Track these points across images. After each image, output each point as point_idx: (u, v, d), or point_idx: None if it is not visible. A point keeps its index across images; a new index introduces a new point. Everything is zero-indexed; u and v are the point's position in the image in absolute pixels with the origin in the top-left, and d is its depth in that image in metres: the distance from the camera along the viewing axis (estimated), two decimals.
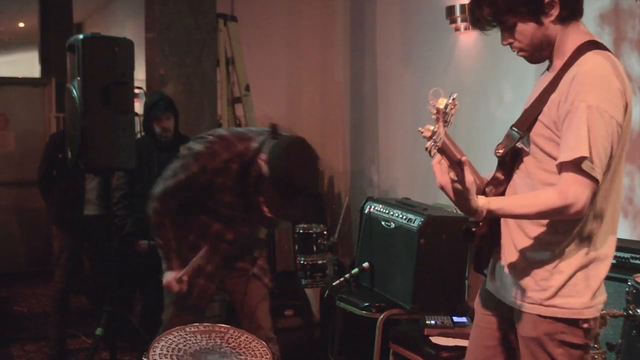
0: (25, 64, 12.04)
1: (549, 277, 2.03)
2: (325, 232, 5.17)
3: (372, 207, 4.18)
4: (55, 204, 4.67)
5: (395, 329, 3.77)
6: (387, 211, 4.04)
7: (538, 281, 2.04)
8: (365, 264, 4.07)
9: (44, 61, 9.20)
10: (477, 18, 2.07)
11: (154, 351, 2.50)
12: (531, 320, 2.06)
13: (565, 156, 1.92)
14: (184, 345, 2.56)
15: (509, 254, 2.12)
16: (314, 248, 5.09)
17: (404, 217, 3.86)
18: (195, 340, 2.61)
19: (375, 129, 5.92)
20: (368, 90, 5.98)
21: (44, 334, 5.00)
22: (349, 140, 6.55)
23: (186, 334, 2.63)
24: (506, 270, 2.13)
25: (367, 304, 3.91)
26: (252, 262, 3.27)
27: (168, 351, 2.51)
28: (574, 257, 2.01)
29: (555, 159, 1.97)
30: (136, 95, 5.02)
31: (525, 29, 2.02)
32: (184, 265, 3.05)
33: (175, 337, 2.60)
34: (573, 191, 1.90)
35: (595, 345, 2.77)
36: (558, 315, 2.02)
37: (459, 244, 3.66)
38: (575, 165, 1.90)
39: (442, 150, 1.86)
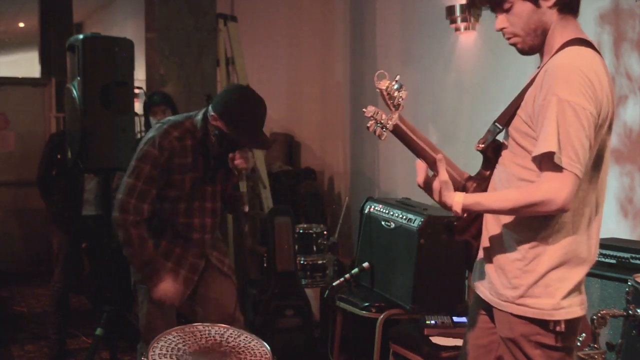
0: (25, 64, 12.06)
1: (520, 276, 2.01)
2: (325, 232, 5.16)
3: (372, 207, 4.18)
4: (54, 203, 4.67)
5: (395, 329, 3.77)
6: (387, 211, 4.04)
7: (510, 279, 2.03)
8: (365, 264, 4.07)
9: (44, 61, 9.21)
10: None
11: (154, 351, 2.50)
12: (506, 319, 2.06)
13: (535, 151, 1.92)
14: (184, 345, 2.56)
15: (487, 251, 2.13)
16: (314, 248, 5.09)
17: (404, 217, 3.86)
18: (195, 339, 2.61)
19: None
20: (368, 91, 5.98)
21: (44, 334, 5.01)
22: (349, 140, 6.55)
23: (185, 334, 2.63)
24: (485, 267, 2.13)
25: (367, 304, 3.91)
26: (220, 258, 3.30)
27: (168, 351, 2.51)
28: (546, 257, 1.99)
29: (530, 154, 1.97)
30: (136, 95, 5.03)
31: (522, 10, 1.99)
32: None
33: (174, 337, 2.60)
34: (546, 187, 1.89)
35: (595, 345, 2.77)
36: (529, 315, 2.00)
37: (459, 244, 3.65)
38: (549, 161, 1.88)
39: (398, 136, 2.00)
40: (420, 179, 2.05)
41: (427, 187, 2.05)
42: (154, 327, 3.08)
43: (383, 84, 2.00)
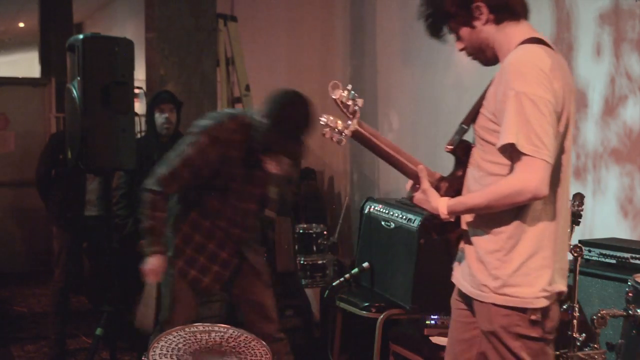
0: (25, 64, 12.06)
1: (500, 266, 2.06)
2: (325, 232, 5.17)
3: (372, 207, 4.18)
4: (55, 204, 4.66)
5: (395, 329, 3.77)
6: (387, 211, 4.04)
7: (490, 270, 2.08)
8: (365, 264, 4.07)
9: (44, 61, 9.22)
10: (429, 30, 2.22)
11: (154, 351, 2.51)
12: (486, 312, 2.10)
13: (498, 143, 1.99)
14: (184, 345, 2.56)
15: (466, 246, 2.18)
16: (314, 248, 5.09)
17: (404, 217, 3.86)
18: (195, 340, 2.61)
19: (375, 129, 5.90)
20: (368, 90, 5.98)
21: (44, 334, 5.01)
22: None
23: (186, 334, 2.63)
24: (465, 261, 2.18)
25: (367, 304, 3.91)
26: (257, 257, 3.31)
27: (168, 351, 2.52)
28: (522, 246, 2.04)
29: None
30: (136, 95, 5.03)
31: (464, 34, 2.15)
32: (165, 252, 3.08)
33: (175, 337, 2.61)
34: (516, 177, 1.95)
35: (595, 345, 2.77)
36: (510, 304, 2.05)
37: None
38: (516, 152, 1.94)
39: (360, 141, 2.15)
40: (407, 194, 2.27)
41: (411, 200, 2.23)
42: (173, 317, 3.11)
43: (337, 94, 2.11)
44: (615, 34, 3.62)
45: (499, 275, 2.06)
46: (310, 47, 6.91)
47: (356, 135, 2.15)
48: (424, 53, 5.27)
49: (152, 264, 3.03)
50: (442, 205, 2.10)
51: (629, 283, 2.71)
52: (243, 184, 3.11)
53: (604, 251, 3.11)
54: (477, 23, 2.11)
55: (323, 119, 2.16)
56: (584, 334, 2.85)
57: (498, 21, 2.10)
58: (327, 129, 2.15)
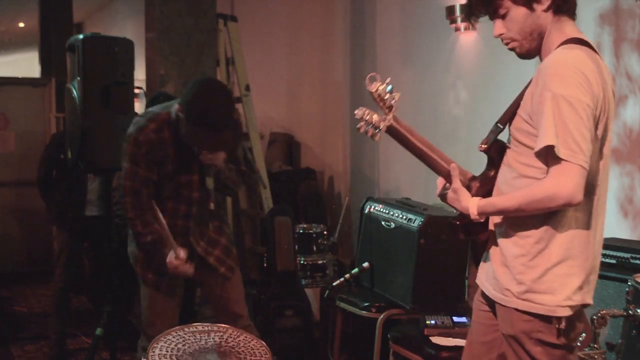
0: (25, 64, 12.06)
1: (525, 271, 2.03)
2: (325, 232, 5.17)
3: (372, 207, 4.18)
4: (56, 204, 4.66)
5: (395, 329, 3.77)
6: (387, 211, 4.04)
7: (515, 275, 2.05)
8: (365, 264, 4.07)
9: (44, 61, 9.21)
10: (474, 4, 2.10)
11: (154, 351, 2.50)
12: (508, 316, 2.07)
13: (536, 147, 1.94)
14: (183, 345, 2.56)
15: (492, 248, 2.15)
16: (314, 248, 5.09)
17: (404, 217, 3.86)
18: (195, 340, 2.61)
19: None
20: (368, 90, 5.98)
21: (44, 334, 5.00)
22: (349, 140, 6.55)
23: (185, 334, 2.63)
24: (490, 264, 2.15)
25: (367, 304, 3.91)
26: (221, 259, 3.26)
27: (167, 351, 2.52)
28: (550, 253, 2.00)
29: (533, 151, 1.99)
30: (136, 95, 5.03)
31: (517, 15, 2.04)
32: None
33: (174, 337, 2.61)
34: (551, 181, 1.91)
35: (595, 345, 2.77)
36: (532, 311, 2.02)
37: (459, 244, 3.66)
38: (552, 156, 1.90)
39: (394, 136, 2.09)
40: (438, 192, 2.21)
41: (443, 198, 2.18)
42: (153, 319, 3.12)
43: (374, 87, 2.07)
44: (615, 34, 3.62)
45: (523, 281, 2.02)
46: (310, 47, 6.91)
47: (391, 131, 2.10)
48: (424, 53, 5.26)
49: (172, 264, 3.02)
50: (472, 205, 2.06)
51: (629, 283, 2.71)
52: (177, 175, 3.08)
53: (604, 251, 3.09)
54: (537, 6, 2.02)
55: (359, 113, 2.10)
56: (584, 334, 2.84)
57: (557, 11, 2.03)
58: (362, 123, 2.09)
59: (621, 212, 3.59)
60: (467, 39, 4.76)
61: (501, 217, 2.10)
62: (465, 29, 4.70)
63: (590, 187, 2.00)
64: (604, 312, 2.69)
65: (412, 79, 5.34)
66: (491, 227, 2.15)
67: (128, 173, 3.02)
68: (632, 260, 3.02)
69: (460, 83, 4.87)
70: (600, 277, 3.03)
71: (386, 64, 5.76)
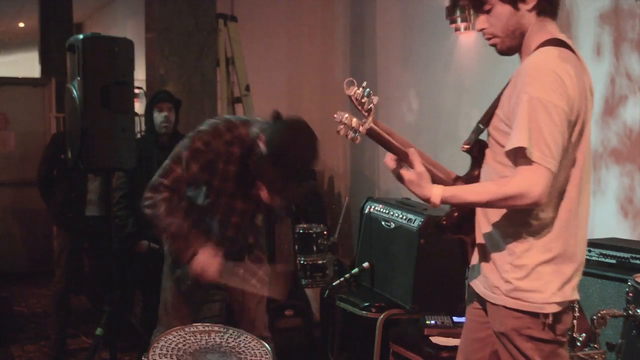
0: (25, 64, 12.05)
1: (511, 270, 2.05)
2: (325, 232, 5.16)
3: (372, 207, 4.18)
4: (56, 204, 4.66)
5: (395, 329, 3.77)
6: (387, 211, 4.04)
7: (502, 273, 2.07)
8: (365, 264, 4.07)
9: (44, 61, 9.22)
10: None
11: (154, 351, 2.50)
12: (498, 313, 2.10)
13: (507, 146, 1.96)
14: (184, 345, 2.56)
15: (480, 247, 2.17)
16: (314, 248, 5.09)
17: (404, 217, 3.86)
18: (195, 340, 2.61)
19: None
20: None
21: (44, 334, 5.01)
22: (349, 141, 6.54)
23: (186, 334, 2.63)
24: (478, 262, 2.18)
25: (367, 304, 3.91)
26: (252, 271, 3.16)
27: (168, 351, 2.52)
28: (534, 252, 2.03)
29: None
30: (136, 95, 5.02)
31: (502, 12, 2.06)
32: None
33: (174, 337, 2.61)
34: (519, 180, 1.92)
35: (595, 345, 2.76)
36: (520, 308, 2.04)
37: (459, 244, 3.65)
38: (522, 156, 1.92)
39: (374, 139, 2.09)
40: (391, 167, 2.12)
41: (398, 176, 2.10)
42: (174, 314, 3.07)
43: (352, 91, 2.08)
44: (615, 34, 3.62)
45: (509, 280, 2.05)
46: (310, 47, 6.91)
47: (371, 133, 2.11)
48: (424, 53, 5.26)
49: (201, 260, 2.78)
50: (435, 194, 2.00)
51: (629, 283, 2.70)
52: (233, 200, 2.90)
53: (604, 251, 3.11)
54: (522, 6, 2.05)
55: (338, 117, 2.12)
56: (584, 334, 2.84)
57: (541, 12, 2.06)
58: (342, 127, 2.12)
59: (621, 212, 3.59)
60: (467, 39, 4.76)
61: (487, 218, 2.12)
62: (465, 29, 4.70)
63: (572, 188, 2.03)
64: (604, 312, 2.69)
65: (412, 79, 5.34)
66: (478, 227, 2.17)
67: (185, 163, 2.79)
68: (632, 260, 3.02)
69: (460, 83, 4.87)
70: (600, 277, 3.05)
71: (386, 64, 5.76)
